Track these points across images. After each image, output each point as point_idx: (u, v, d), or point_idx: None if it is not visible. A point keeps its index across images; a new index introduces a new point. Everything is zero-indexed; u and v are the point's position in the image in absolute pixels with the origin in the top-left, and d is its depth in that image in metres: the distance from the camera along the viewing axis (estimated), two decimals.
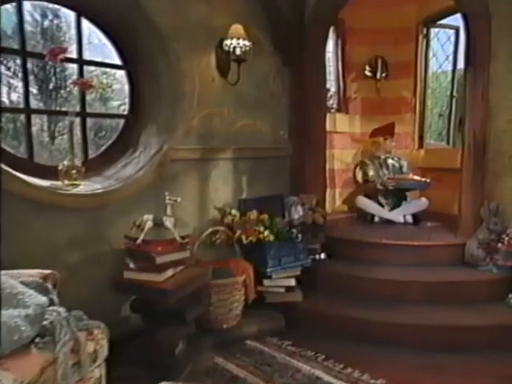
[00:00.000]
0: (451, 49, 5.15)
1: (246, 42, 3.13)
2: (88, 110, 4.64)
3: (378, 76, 4.99)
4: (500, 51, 3.32)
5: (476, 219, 3.42)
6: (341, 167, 4.96)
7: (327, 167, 4.57)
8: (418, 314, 2.96)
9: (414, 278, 3.23)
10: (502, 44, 3.31)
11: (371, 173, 4.52)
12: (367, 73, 5.03)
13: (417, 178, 4.40)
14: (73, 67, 3.53)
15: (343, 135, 4.96)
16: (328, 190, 4.71)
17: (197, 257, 2.96)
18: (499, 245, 3.23)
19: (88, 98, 4.70)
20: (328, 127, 4.60)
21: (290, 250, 3.28)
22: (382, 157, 4.58)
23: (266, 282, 3.23)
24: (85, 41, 3.77)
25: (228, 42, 3.10)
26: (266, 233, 3.17)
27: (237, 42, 3.10)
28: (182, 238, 2.59)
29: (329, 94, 4.90)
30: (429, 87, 5.14)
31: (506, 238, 3.21)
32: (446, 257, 3.45)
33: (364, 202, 4.38)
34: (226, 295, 2.91)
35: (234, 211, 3.30)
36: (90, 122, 4.56)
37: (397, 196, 4.30)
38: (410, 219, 4.21)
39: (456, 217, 3.64)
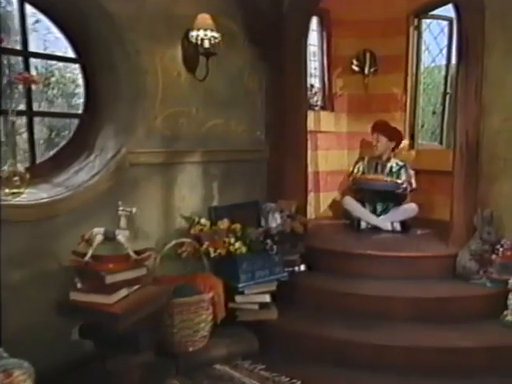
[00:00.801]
0: (445, 41, 4.99)
1: (215, 34, 2.93)
2: (49, 107, 4.42)
3: (366, 71, 4.84)
4: (494, 45, 3.18)
5: (469, 227, 3.28)
6: (326, 169, 4.80)
7: (310, 170, 4.47)
8: (405, 333, 2.80)
9: (401, 293, 3.07)
10: (497, 37, 3.17)
11: (355, 170, 4.37)
12: (354, 67, 4.87)
13: (386, 178, 4.21)
14: (34, 61, 3.33)
15: (328, 135, 4.80)
16: (312, 195, 4.61)
17: (161, 271, 2.80)
18: (493, 256, 3.09)
19: (49, 93, 4.49)
20: (312, 126, 4.50)
21: (264, 263, 3.11)
22: (384, 158, 4.36)
23: (237, 298, 3.05)
24: (43, 32, 3.57)
25: (194, 33, 2.91)
26: (238, 244, 2.98)
27: (204, 34, 2.90)
28: (138, 253, 2.42)
29: (313, 91, 4.76)
30: (421, 83, 4.98)
31: (501, 249, 3.06)
32: (436, 269, 3.29)
33: (351, 204, 4.23)
34: (190, 315, 2.72)
35: (203, 220, 3.11)
36: (52, 120, 4.34)
37: (377, 199, 4.16)
38: (398, 227, 4.06)
39: (449, 223, 3.49)
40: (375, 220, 4.12)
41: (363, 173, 4.34)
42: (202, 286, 2.87)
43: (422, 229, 4.06)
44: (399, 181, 4.17)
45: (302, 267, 3.48)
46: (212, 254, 2.94)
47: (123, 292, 2.31)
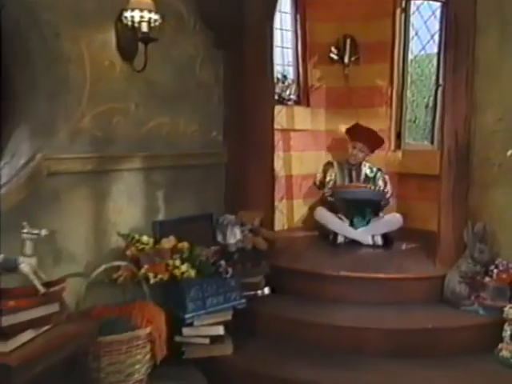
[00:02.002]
0: (437, 26, 4.78)
1: (155, 15, 2.63)
2: None
3: (347, 60, 4.66)
4: (488, 30, 3.00)
5: (458, 244, 3.07)
6: (300, 173, 4.58)
7: (282, 174, 4.31)
8: (383, 374, 2.55)
9: (379, 323, 2.84)
10: (491, 21, 3.00)
11: (328, 178, 4.16)
12: (333, 56, 4.69)
13: (366, 185, 4.07)
14: None
15: (303, 133, 4.61)
16: (284, 202, 4.39)
17: (92, 301, 2.53)
18: (486, 279, 2.86)
19: None
20: (284, 124, 4.34)
21: (218, 289, 2.86)
22: (357, 163, 4.22)
23: (185, 330, 2.78)
24: None
25: (128, 14, 2.59)
26: (184, 267, 2.69)
27: (141, 15, 2.59)
28: (50, 284, 2.11)
29: (286, 83, 4.54)
30: (409, 74, 4.80)
31: (495, 271, 2.83)
32: (421, 293, 3.08)
33: (324, 216, 3.99)
34: (121, 356, 2.41)
35: (145, 238, 2.80)
36: None
37: (357, 209, 3.93)
38: (379, 240, 3.83)
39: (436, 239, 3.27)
40: (354, 233, 3.89)
41: (335, 182, 4.15)
42: (138, 318, 2.58)
43: (407, 242, 3.85)
44: (386, 189, 4.08)
45: (266, 290, 3.21)
46: (152, 280, 2.64)
47: (27, 335, 1.99)
